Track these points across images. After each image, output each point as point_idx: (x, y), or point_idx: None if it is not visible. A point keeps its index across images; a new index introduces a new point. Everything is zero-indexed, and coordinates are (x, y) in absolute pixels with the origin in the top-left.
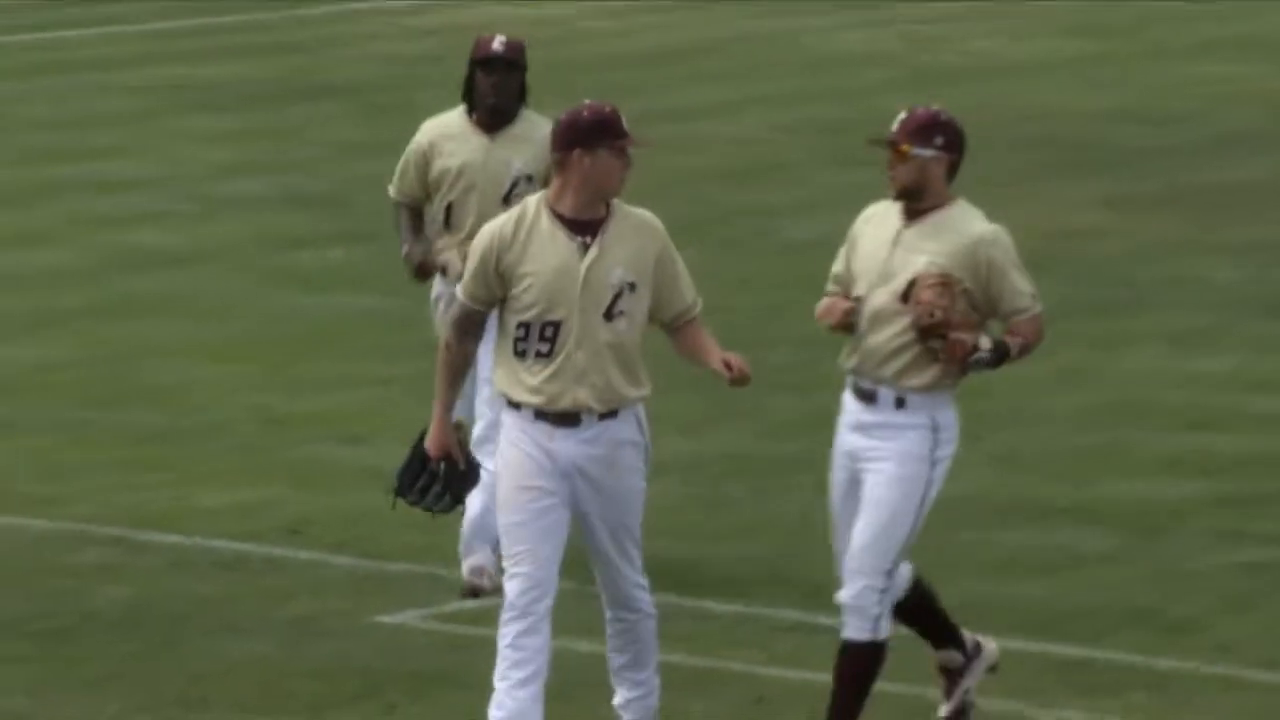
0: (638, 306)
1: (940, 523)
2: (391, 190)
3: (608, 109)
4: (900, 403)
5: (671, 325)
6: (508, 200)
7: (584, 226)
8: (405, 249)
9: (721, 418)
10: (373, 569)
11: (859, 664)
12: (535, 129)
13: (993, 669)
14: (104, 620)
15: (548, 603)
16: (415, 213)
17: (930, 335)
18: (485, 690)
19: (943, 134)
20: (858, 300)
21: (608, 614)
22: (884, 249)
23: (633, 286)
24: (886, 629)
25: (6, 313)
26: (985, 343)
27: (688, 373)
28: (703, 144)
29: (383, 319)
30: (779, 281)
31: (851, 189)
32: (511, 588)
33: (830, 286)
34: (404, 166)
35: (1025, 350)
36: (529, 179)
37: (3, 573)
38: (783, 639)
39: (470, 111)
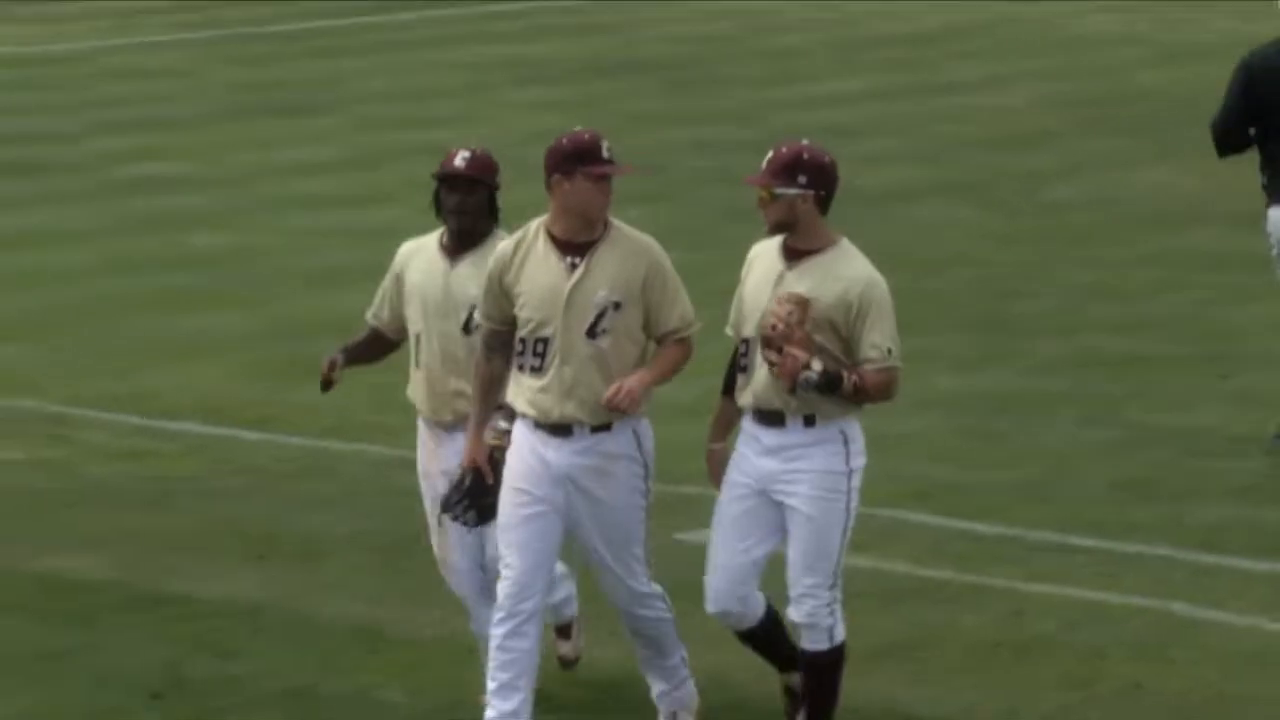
0: (624, 324)
1: (1182, 451)
2: (368, 314)
3: (586, 136)
4: (809, 420)
5: (662, 343)
6: (467, 330)
7: (575, 248)
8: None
9: (990, 359)
10: (672, 492)
11: (824, 670)
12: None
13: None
14: None
15: (533, 604)
16: (375, 337)
17: (768, 346)
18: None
19: (805, 172)
20: (745, 342)
21: (623, 618)
22: (766, 290)
23: (617, 305)
24: (841, 632)
25: (347, 264)
26: (817, 365)
27: (961, 315)
28: (972, 114)
29: (680, 270)
30: (1042, 236)
31: (1106, 154)
32: (500, 589)
33: (728, 330)
34: (381, 290)
35: (861, 391)
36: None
37: (346, 493)
38: (1040, 558)
39: None
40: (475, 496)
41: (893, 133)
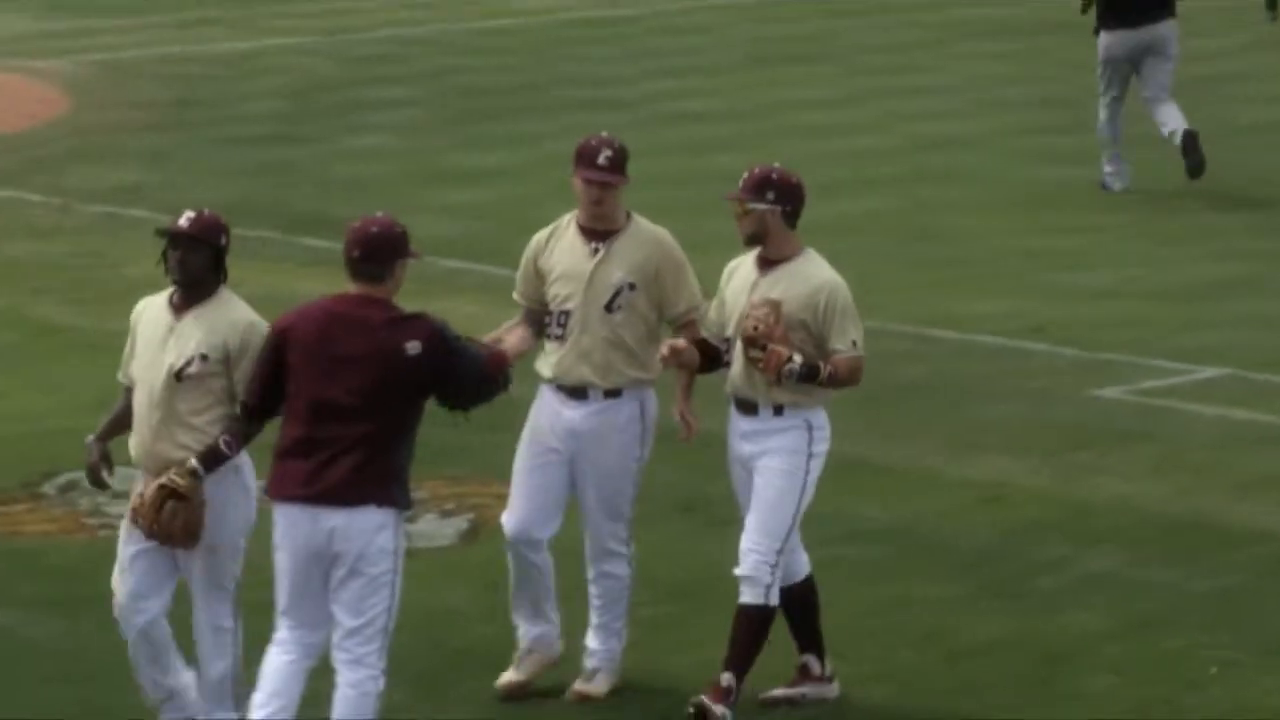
0: (637, 303)
1: None
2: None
3: (592, 143)
4: (778, 410)
5: (673, 324)
6: (179, 378)
7: (598, 235)
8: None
9: None
10: (1089, 358)
11: (753, 624)
12: (227, 311)
13: (823, 701)
14: (907, 388)
15: (527, 537)
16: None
17: (753, 345)
18: (1169, 444)
19: (773, 189)
20: (727, 341)
21: (589, 569)
22: (743, 296)
23: (632, 286)
24: (775, 598)
25: (839, 178)
26: (798, 358)
27: None
28: None
29: (1082, 186)
30: None
31: None
32: (505, 525)
33: (703, 332)
34: (125, 352)
35: (835, 379)
36: (203, 358)
37: None
38: None
39: None
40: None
41: None
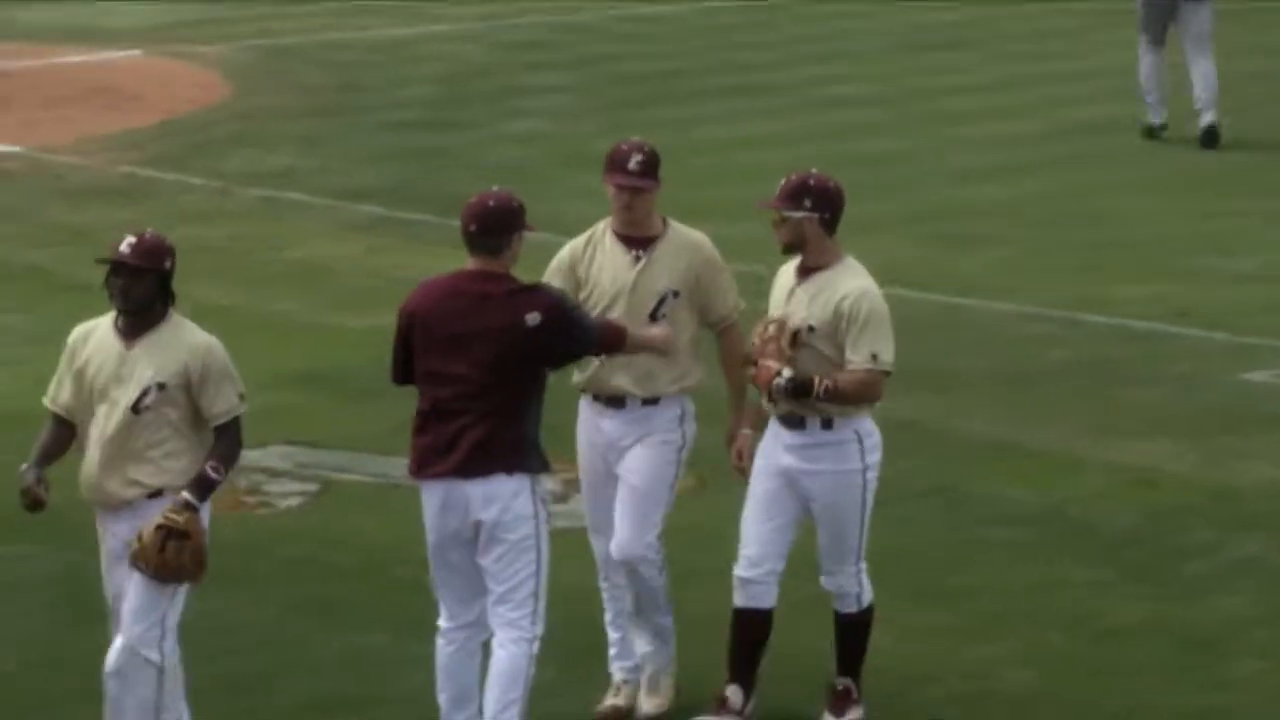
0: (681, 311)
1: None
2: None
3: (624, 148)
4: (827, 423)
5: (714, 328)
6: (136, 410)
7: (637, 243)
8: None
9: None
10: (1236, 342)
11: (856, 630)
12: (180, 335)
13: None
14: (1055, 371)
15: (604, 545)
16: (58, 423)
17: (748, 362)
18: None
19: (810, 196)
20: None
21: (619, 575)
22: (782, 305)
23: (676, 294)
24: (868, 597)
25: (987, 164)
26: (787, 372)
27: None
28: None
29: (1228, 170)
30: None
31: None
32: (596, 546)
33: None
34: (56, 376)
35: (836, 392)
36: (160, 387)
37: (978, 341)
38: None
39: None
40: None
41: None
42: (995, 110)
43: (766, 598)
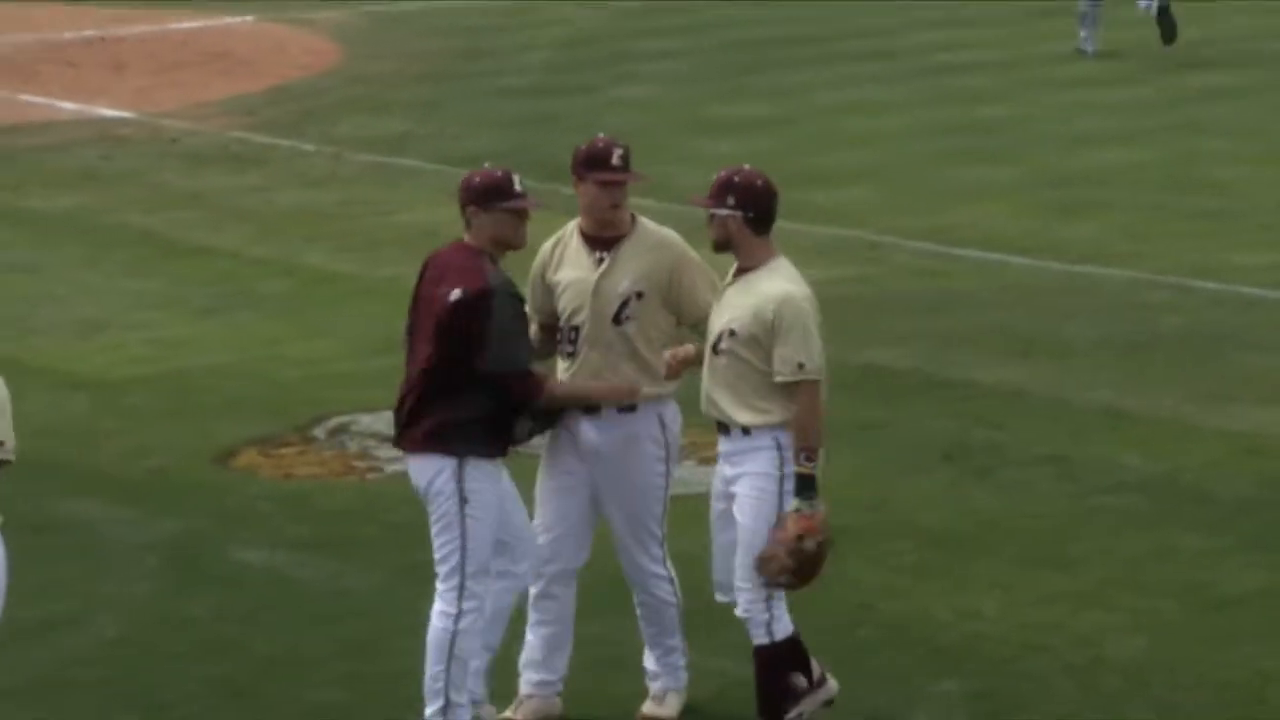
0: (650, 312)
1: None
2: None
3: (600, 145)
4: (745, 430)
5: (695, 329)
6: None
7: (602, 243)
8: None
9: None
10: None
11: (770, 663)
12: None
13: (829, 703)
14: (1169, 338)
15: (557, 567)
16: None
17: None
18: None
19: (734, 193)
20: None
21: (633, 594)
22: (714, 307)
23: (640, 295)
24: (782, 628)
25: (1104, 129)
26: (791, 505)
27: None
28: None
29: None
30: None
31: None
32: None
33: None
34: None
35: (805, 437)
36: None
37: (1092, 308)
38: None
39: None
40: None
41: None
42: (1114, 77)
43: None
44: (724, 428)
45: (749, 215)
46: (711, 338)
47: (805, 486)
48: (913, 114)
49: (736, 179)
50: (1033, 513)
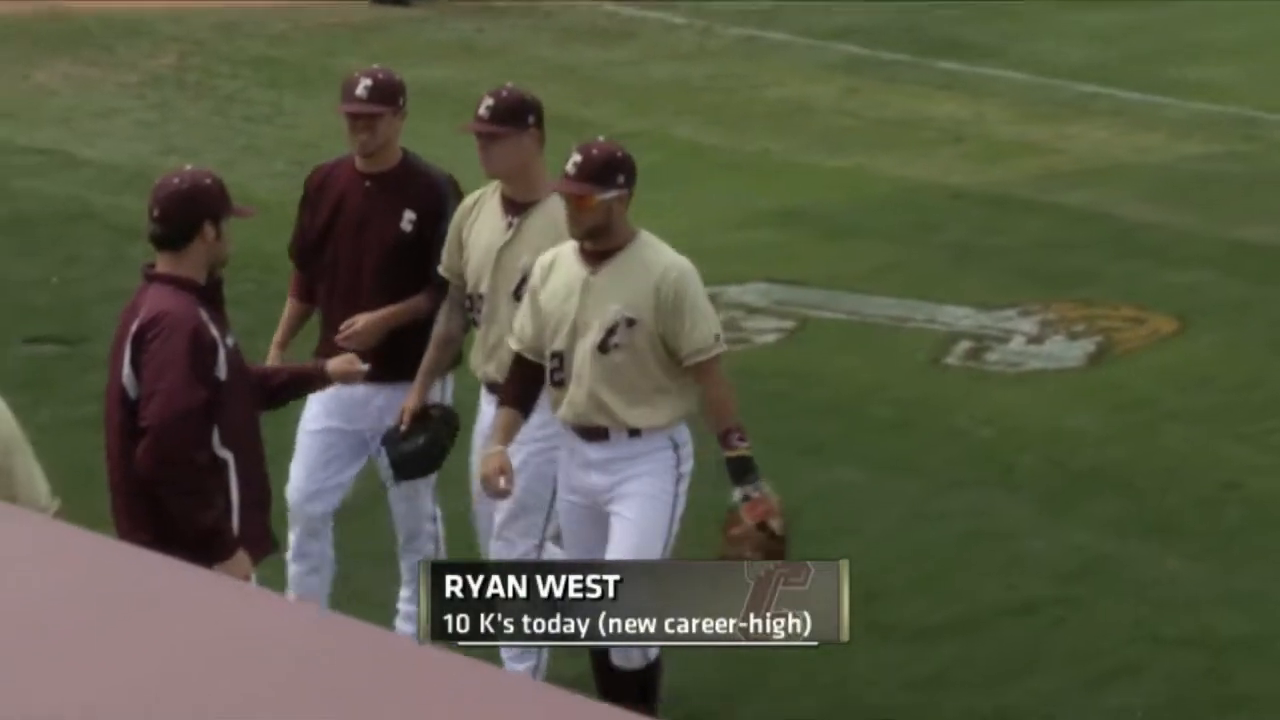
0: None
1: None
2: None
3: (494, 93)
4: (635, 432)
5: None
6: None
7: (517, 208)
8: None
9: None
10: None
11: (628, 688)
12: None
13: None
14: None
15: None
16: None
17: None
18: None
19: (623, 170)
20: (557, 356)
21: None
22: (574, 300)
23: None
24: (656, 650)
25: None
26: (737, 493)
27: None
28: None
29: None
30: None
31: None
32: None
33: (513, 344)
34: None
35: (732, 420)
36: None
37: None
38: None
39: None
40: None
41: None
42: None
43: None
44: (599, 433)
45: (632, 190)
46: (595, 335)
47: (746, 469)
48: None
49: (619, 154)
50: None
